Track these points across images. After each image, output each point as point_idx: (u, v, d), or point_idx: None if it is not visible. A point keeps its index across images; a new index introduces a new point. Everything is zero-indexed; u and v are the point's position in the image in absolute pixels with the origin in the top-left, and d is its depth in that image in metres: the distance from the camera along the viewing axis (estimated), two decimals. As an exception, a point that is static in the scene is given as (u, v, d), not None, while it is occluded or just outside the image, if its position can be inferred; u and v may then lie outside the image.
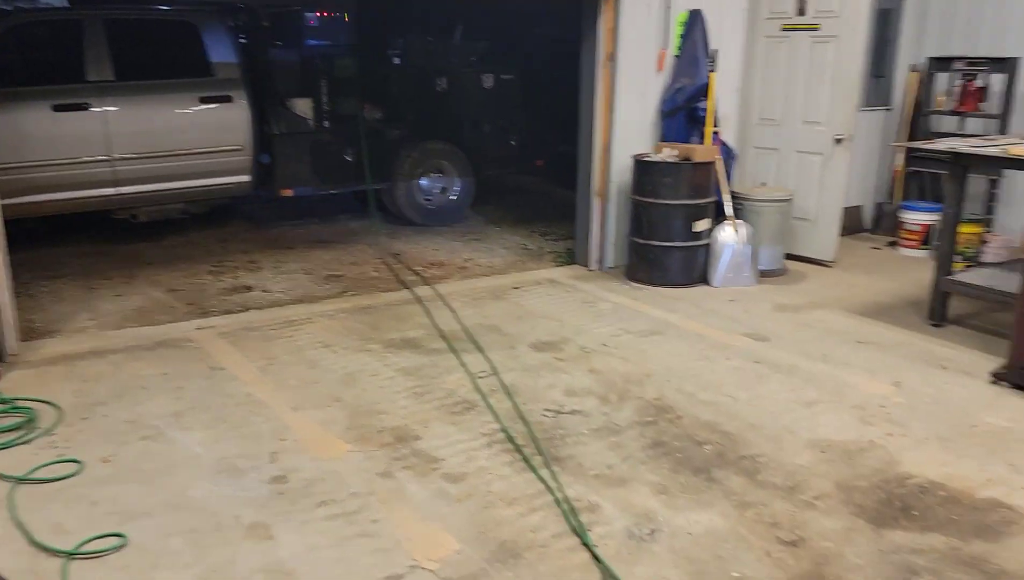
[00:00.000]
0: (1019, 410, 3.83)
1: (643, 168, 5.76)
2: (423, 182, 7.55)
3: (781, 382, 4.19)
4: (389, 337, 4.75)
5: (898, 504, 3.07)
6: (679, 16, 6.00)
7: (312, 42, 6.83)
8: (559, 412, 3.84)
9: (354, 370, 4.28)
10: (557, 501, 3.08)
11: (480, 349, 4.56)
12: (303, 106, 6.90)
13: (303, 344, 4.64)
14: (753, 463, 3.39)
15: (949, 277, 4.88)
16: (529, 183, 9.04)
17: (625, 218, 6.08)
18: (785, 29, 6.27)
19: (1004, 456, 3.41)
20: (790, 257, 6.37)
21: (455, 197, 7.71)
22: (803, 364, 4.42)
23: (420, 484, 3.20)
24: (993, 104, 6.61)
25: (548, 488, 3.17)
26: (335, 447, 3.49)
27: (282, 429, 3.64)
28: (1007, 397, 3.98)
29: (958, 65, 6.70)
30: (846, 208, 7.16)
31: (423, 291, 5.62)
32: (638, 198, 5.80)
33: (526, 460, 3.38)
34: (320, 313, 5.17)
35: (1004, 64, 6.44)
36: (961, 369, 4.32)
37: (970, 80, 6.65)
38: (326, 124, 7.04)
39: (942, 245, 4.89)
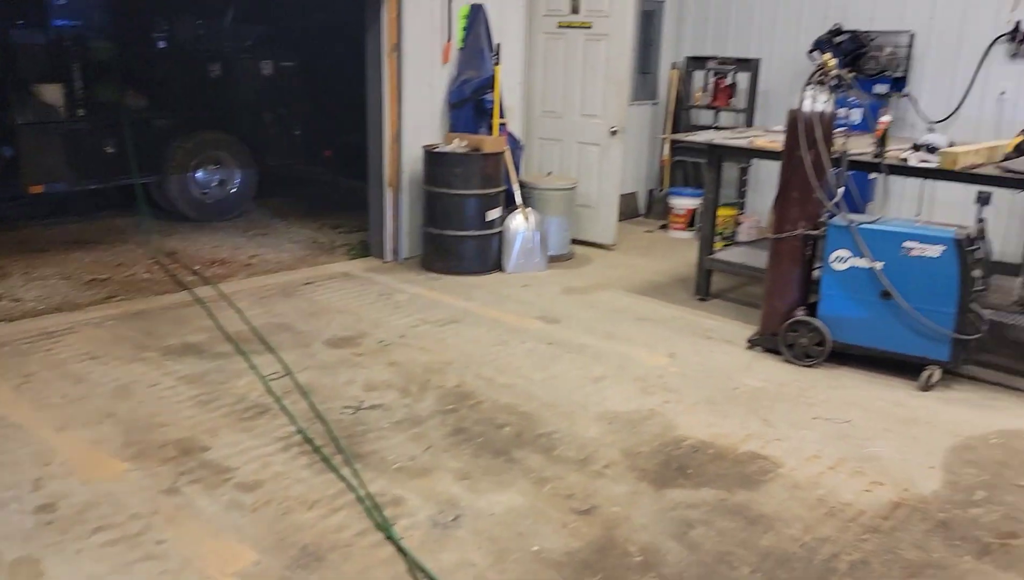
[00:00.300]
0: (770, 371, 4.33)
1: (434, 159, 5.80)
2: (199, 175, 7.09)
3: (572, 361, 4.42)
4: (167, 343, 4.42)
5: (675, 465, 3.36)
6: (461, 9, 6.09)
7: (61, 22, 6.15)
8: (359, 408, 3.78)
9: (128, 382, 3.94)
10: (360, 498, 3.04)
11: (271, 349, 4.38)
12: (52, 93, 6.20)
13: (66, 357, 4.19)
14: (549, 440, 3.55)
15: (711, 256, 5.40)
16: (317, 174, 8.79)
17: (419, 208, 6.10)
18: (561, 26, 6.58)
19: (759, 413, 3.84)
20: (576, 242, 6.72)
21: (235, 190, 7.32)
22: (591, 342, 4.69)
23: (210, 497, 3.02)
24: (741, 100, 7.39)
25: (350, 486, 3.12)
26: (110, 467, 3.20)
27: (46, 453, 3.27)
28: (761, 360, 4.49)
29: (711, 64, 7.40)
30: (623, 195, 7.67)
31: (204, 292, 5.29)
32: (430, 188, 5.84)
33: (326, 460, 3.30)
34: (84, 322, 4.70)
35: (748, 64, 7.21)
36: (724, 338, 4.81)
37: (721, 78, 7.38)
38: (81, 113, 6.37)
39: (704, 228, 5.40)
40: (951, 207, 6.51)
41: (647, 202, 8.19)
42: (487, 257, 5.97)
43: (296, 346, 4.47)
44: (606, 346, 4.64)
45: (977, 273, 3.99)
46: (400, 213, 6.13)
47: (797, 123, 4.20)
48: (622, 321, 5.07)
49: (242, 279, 5.67)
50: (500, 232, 6.00)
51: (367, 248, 6.36)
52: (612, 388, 4.10)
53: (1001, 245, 6.30)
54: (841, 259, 4.23)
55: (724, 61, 7.32)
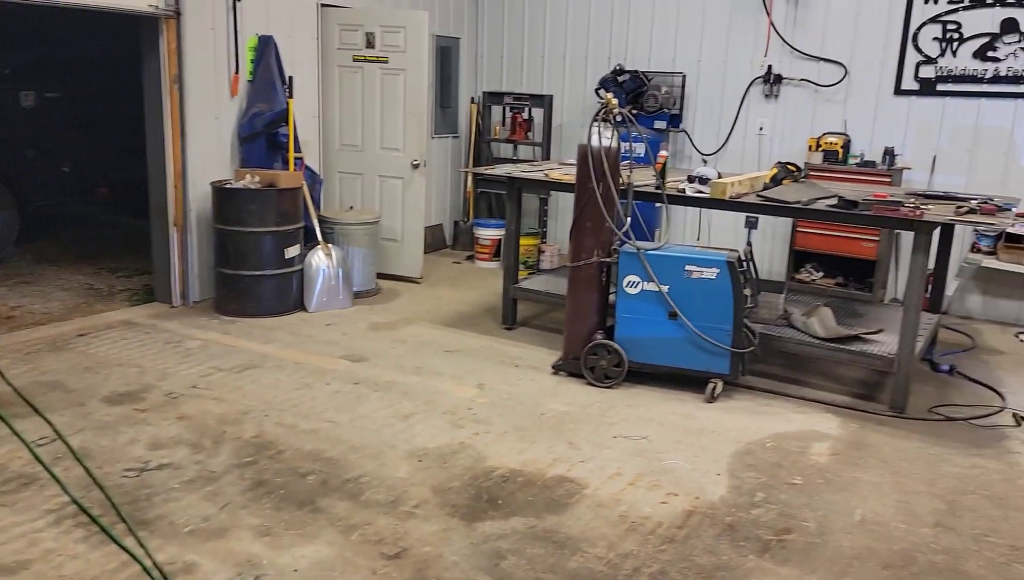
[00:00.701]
0: (574, 394, 4.49)
1: (225, 196, 5.50)
2: (-54, 218, 6.26)
3: (380, 399, 4.32)
4: (-93, 413, 3.81)
5: (486, 497, 3.37)
6: (249, 41, 5.87)
7: None
8: (144, 469, 3.45)
9: None
10: (146, 569, 2.76)
11: (38, 412, 3.90)
12: None
13: None
14: (357, 485, 3.43)
15: (516, 286, 5.53)
16: (92, 214, 8.04)
17: (209, 248, 5.74)
18: (357, 60, 6.52)
19: (565, 436, 3.96)
20: (382, 276, 6.63)
21: (-7, 234, 6.53)
22: (399, 379, 4.62)
23: (-41, 590, 2.61)
24: (538, 133, 7.69)
25: (134, 557, 2.82)
26: None
27: None
28: (565, 385, 4.64)
29: (507, 99, 7.65)
30: (429, 227, 7.72)
31: (-43, 350, 4.64)
32: (222, 227, 5.52)
33: (105, 531, 2.97)
34: None
35: (542, 100, 7.54)
36: (530, 365, 4.92)
37: (518, 112, 7.65)
38: None
39: (507, 257, 5.53)
40: (725, 231, 7.15)
41: (453, 233, 8.27)
42: (287, 296, 5.73)
43: (69, 406, 4.02)
44: (415, 381, 4.59)
45: (747, 292, 4.38)
46: (188, 254, 5.74)
47: (586, 157, 4.42)
48: (431, 354, 5.05)
49: (1, 334, 5.03)
50: (300, 270, 5.79)
51: (152, 293, 5.89)
52: (422, 424, 4.04)
53: (768, 264, 7.02)
54: (633, 284, 4.48)
55: (519, 97, 7.60)
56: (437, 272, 7.17)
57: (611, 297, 4.68)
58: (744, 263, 4.37)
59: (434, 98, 7.69)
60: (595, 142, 4.42)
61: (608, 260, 4.56)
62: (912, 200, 4.46)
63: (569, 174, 5.14)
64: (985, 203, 4.36)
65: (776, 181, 4.65)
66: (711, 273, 4.33)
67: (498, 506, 3.30)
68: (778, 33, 6.71)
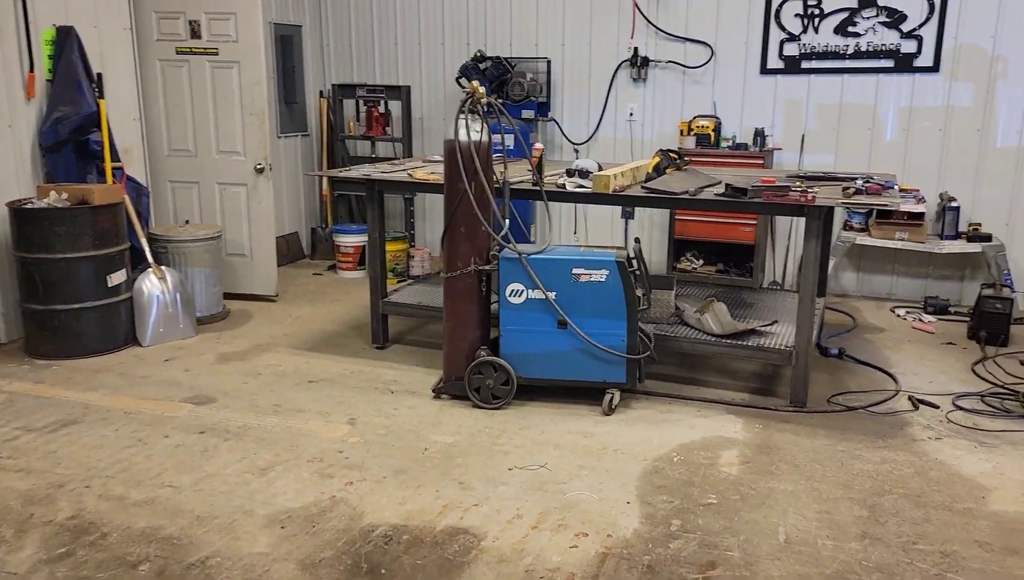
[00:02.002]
0: (460, 421, 3.99)
1: (25, 217, 4.59)
2: None
3: (231, 451, 3.66)
4: None
5: (365, 567, 2.81)
6: (45, 33, 4.95)
7: None
8: (-88, 587, 2.66)
9: None
10: None
11: None
12: None
13: None
14: (204, 570, 2.78)
15: (385, 300, 4.96)
16: None
17: (12, 281, 4.81)
18: (181, 52, 5.70)
19: (454, 474, 3.46)
20: (231, 297, 5.88)
21: None
22: (254, 422, 3.96)
23: None
24: (397, 128, 7.11)
25: None
26: None
27: None
28: (449, 410, 4.13)
29: (360, 92, 7.01)
30: (282, 237, 6.98)
31: None
32: (25, 255, 4.62)
33: None
34: None
35: (398, 91, 6.95)
36: (408, 390, 4.38)
37: (373, 106, 7.03)
38: None
39: (372, 268, 4.94)
40: (602, 222, 6.86)
41: (311, 242, 7.55)
42: (115, 331, 4.90)
43: None
44: (273, 423, 3.94)
45: (640, 292, 4.03)
46: (-14, 289, 4.79)
47: (455, 154, 3.92)
48: (291, 387, 4.40)
49: None
50: (130, 298, 4.96)
51: (-58, 339, 4.90)
52: (283, 478, 3.42)
53: (647, 255, 6.78)
54: (516, 292, 4.03)
55: (374, 89, 6.98)
56: (295, 287, 6.47)
57: (494, 307, 4.21)
58: (634, 261, 4.02)
59: (276, 93, 6.94)
60: (463, 136, 3.92)
61: (487, 268, 4.08)
62: (797, 183, 4.26)
63: (436, 173, 4.63)
64: (868, 182, 4.22)
65: (659, 170, 4.33)
66: (600, 275, 3.94)
67: (381, 576, 2.76)
68: (642, 14, 6.45)
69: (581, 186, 4.21)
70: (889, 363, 4.80)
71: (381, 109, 7.04)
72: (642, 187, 4.15)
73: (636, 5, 6.43)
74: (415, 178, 4.58)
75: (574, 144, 6.84)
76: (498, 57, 6.64)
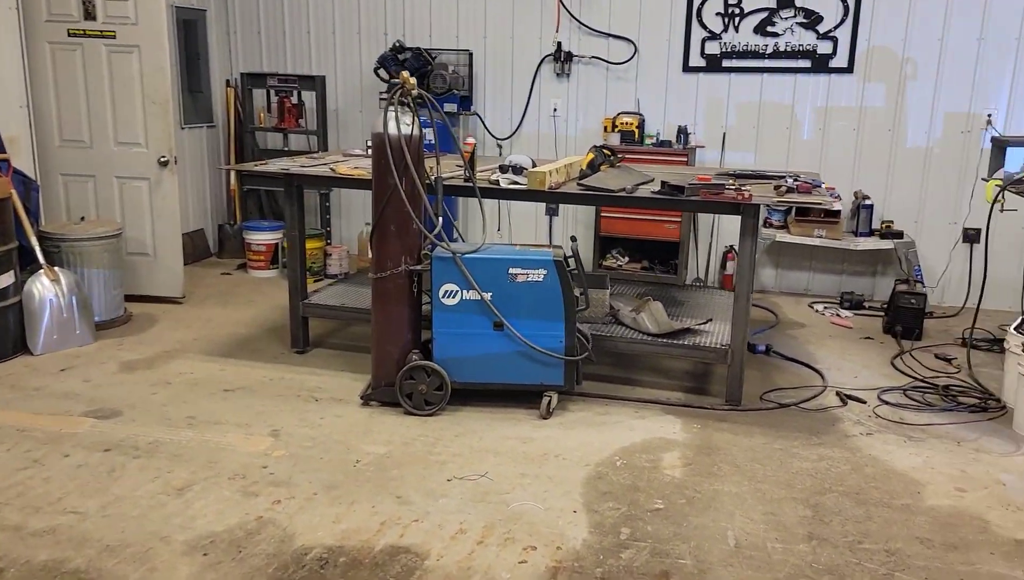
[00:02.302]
0: (392, 430, 3.79)
1: None
2: None
3: (142, 470, 3.34)
4: None
5: (303, 596, 2.60)
6: (-87, 4, 4.42)
7: None
8: None
9: None
10: None
11: None
12: None
13: None
14: (117, 609, 2.50)
15: (306, 302, 4.68)
16: None
17: None
18: (73, 35, 5.23)
19: (390, 488, 3.26)
20: (133, 299, 5.46)
21: None
22: (166, 436, 3.64)
23: None
24: (311, 120, 6.78)
25: None
26: None
27: None
28: (379, 417, 3.92)
29: (271, 82, 6.65)
30: (187, 234, 6.57)
31: None
32: None
33: None
34: None
35: (312, 81, 6.63)
36: (334, 397, 4.14)
37: (286, 96, 6.68)
38: None
39: (291, 269, 4.65)
40: (526, 218, 6.75)
41: (218, 239, 7.13)
42: (2, 339, 4.44)
43: None
44: (188, 438, 3.63)
45: (577, 292, 3.93)
46: None
47: (384, 148, 3.70)
48: (206, 397, 4.09)
49: None
50: (19, 302, 4.51)
51: None
52: (203, 499, 3.14)
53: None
54: (450, 293, 3.86)
55: (286, 78, 6.63)
56: (204, 288, 6.07)
57: (426, 309, 4.03)
58: (571, 260, 3.91)
59: (180, 82, 6.51)
60: (392, 129, 3.71)
61: (419, 268, 3.89)
62: (731, 181, 4.25)
63: (360, 168, 4.40)
64: (798, 181, 4.26)
65: (593, 167, 4.24)
66: (538, 275, 3.82)
67: (320, 606, 2.55)
68: (566, 8, 6.36)
69: (516, 183, 4.07)
70: (814, 359, 4.89)
71: (294, 100, 6.70)
72: (578, 184, 4.05)
73: (559, -1, 6.34)
74: (338, 173, 4.33)
75: (497, 139, 6.70)
76: (418, 48, 6.42)
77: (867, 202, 5.83)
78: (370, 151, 3.92)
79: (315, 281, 6.29)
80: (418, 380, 3.89)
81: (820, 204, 3.82)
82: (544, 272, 3.82)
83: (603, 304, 4.39)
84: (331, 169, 4.43)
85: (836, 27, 5.87)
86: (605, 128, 6.27)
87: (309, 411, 3.97)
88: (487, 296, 3.82)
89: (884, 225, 5.84)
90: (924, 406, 4.17)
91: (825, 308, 5.91)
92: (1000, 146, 4.74)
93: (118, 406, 3.95)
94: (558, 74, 6.48)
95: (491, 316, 3.85)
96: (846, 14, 5.83)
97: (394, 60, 6.35)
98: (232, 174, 7.03)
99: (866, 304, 5.97)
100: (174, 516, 3.01)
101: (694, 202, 3.88)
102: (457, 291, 3.85)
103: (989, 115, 5.71)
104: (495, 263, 3.82)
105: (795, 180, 4.41)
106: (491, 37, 6.59)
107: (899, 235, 5.79)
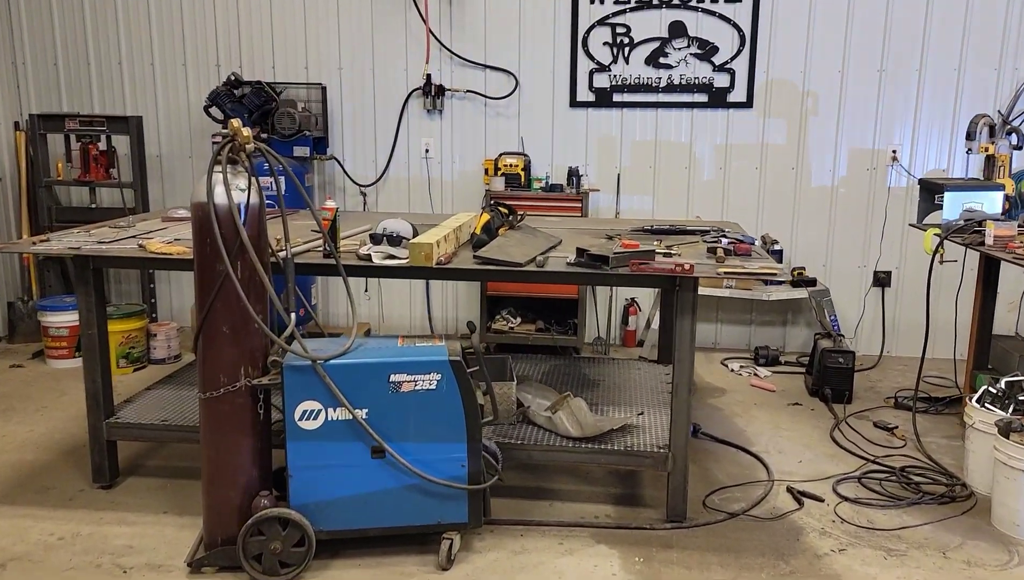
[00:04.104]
0: (237, 612, 2.71)
1: None
2: None
3: None
4: None
5: None
6: None
7: None
8: None
9: None
10: None
11: None
12: None
13: None
14: None
15: (112, 419, 3.49)
16: None
17: None
18: None
19: None
20: None
21: None
22: None
23: None
24: (126, 169, 5.53)
25: None
26: None
27: None
28: (218, 591, 2.83)
29: (72, 124, 5.34)
30: (-41, 322, 5.13)
31: None
32: None
33: None
34: None
35: (125, 123, 5.39)
36: (150, 563, 2.99)
37: (91, 142, 5.39)
38: None
39: (91, 377, 3.44)
40: (398, 281, 5.79)
41: (8, 320, 5.68)
42: None
43: None
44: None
45: (482, 398, 3.02)
46: None
47: (210, 224, 2.66)
48: (-44, 585, 2.83)
49: None
50: None
51: None
52: None
53: (456, 313, 5.85)
54: (311, 414, 2.84)
55: (90, 120, 5.35)
56: (-18, 390, 4.68)
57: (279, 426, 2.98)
58: (472, 356, 3.00)
59: (-54, 124, 5.10)
60: (221, 198, 2.68)
61: (266, 382, 2.85)
62: (656, 243, 3.51)
63: (182, 241, 3.31)
64: (726, 236, 3.58)
65: (490, 231, 3.37)
66: (430, 381, 2.88)
67: None
68: (435, 36, 5.50)
69: (393, 257, 3.12)
70: (747, 438, 4.22)
71: (102, 146, 5.42)
72: (475, 257, 3.16)
73: (425, 21, 5.46)
74: (149, 251, 3.22)
75: (361, 186, 5.72)
76: (259, 82, 5.35)
77: (776, 247, 5.31)
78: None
79: (135, 370, 5.04)
80: (270, 535, 2.83)
81: (771, 274, 3.13)
82: (438, 377, 2.88)
83: (509, 400, 3.50)
84: (140, 244, 3.30)
85: (733, 58, 5.35)
86: (487, 171, 5.44)
87: (114, 591, 2.82)
88: (361, 414, 2.84)
89: (796, 272, 5.33)
90: (888, 499, 3.55)
91: (741, 367, 5.31)
92: (929, 189, 4.29)
93: None
94: (429, 110, 5.59)
95: (368, 440, 2.87)
96: (742, 45, 5.32)
97: (229, 96, 5.25)
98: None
99: (782, 359, 5.44)
100: None
101: (623, 276, 3.08)
102: (320, 410, 2.84)
103: (894, 151, 5.34)
104: (372, 369, 2.85)
105: (721, 234, 3.74)
106: (348, 68, 5.63)
107: (812, 282, 5.29)
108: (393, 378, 2.85)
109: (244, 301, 2.72)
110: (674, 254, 3.32)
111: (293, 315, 2.83)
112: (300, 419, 2.84)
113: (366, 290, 5.87)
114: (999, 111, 5.12)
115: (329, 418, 2.85)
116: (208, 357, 2.82)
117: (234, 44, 5.66)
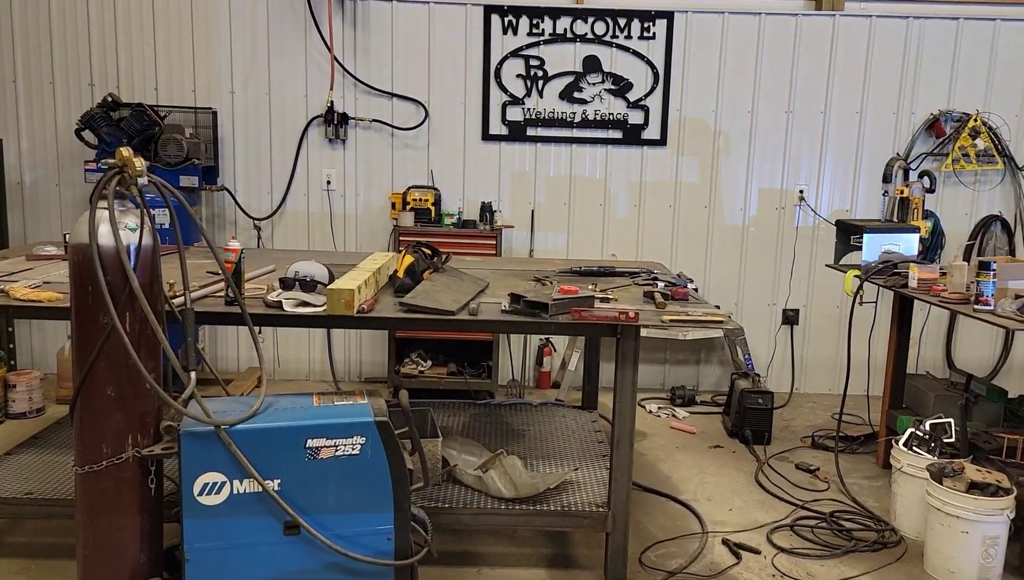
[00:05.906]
0: None
1: None
2: None
3: None
4: None
5: None
6: None
7: None
8: None
9: None
10: None
11: None
12: None
13: None
14: None
15: (-42, 496, 2.93)
16: None
17: None
18: None
19: None
20: None
21: None
22: None
23: None
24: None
25: None
26: None
27: None
28: None
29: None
30: None
31: None
32: None
33: None
34: None
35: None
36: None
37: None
38: None
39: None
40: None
41: None
42: None
43: None
44: None
45: (411, 463, 2.71)
46: None
47: (94, 270, 2.24)
48: None
49: None
50: None
51: None
52: None
53: (360, 355, 5.49)
54: (212, 487, 2.44)
55: (-63, 140, 4.69)
56: None
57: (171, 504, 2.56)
58: (400, 417, 2.69)
59: None
60: (106, 239, 2.27)
61: (159, 452, 2.43)
62: (591, 287, 3.32)
63: (52, 284, 2.84)
64: (669, 284, 3.44)
65: (414, 274, 3.07)
66: (353, 445, 2.54)
67: None
68: (338, 61, 5.18)
69: (307, 305, 2.78)
70: (673, 485, 4.08)
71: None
72: (400, 303, 2.85)
73: (329, 47, 5.13)
74: (14, 298, 2.73)
75: (255, 220, 5.28)
76: (140, 105, 4.85)
77: (691, 286, 5.25)
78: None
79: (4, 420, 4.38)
80: (163, 634, 2.40)
81: (718, 322, 2.99)
82: (362, 440, 2.55)
83: (435, 458, 3.19)
84: (1, 290, 2.81)
85: (647, 95, 5.31)
86: (394, 205, 5.14)
87: None
88: (273, 486, 2.47)
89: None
90: (823, 548, 3.47)
91: (659, 408, 5.20)
92: (845, 230, 4.34)
93: None
94: (331, 139, 5.24)
95: (280, 515, 2.49)
96: (656, 82, 5.29)
97: (106, 119, 4.73)
98: None
99: (698, 398, 5.38)
100: None
101: (562, 325, 2.86)
102: (223, 483, 2.44)
103: (801, 191, 5.44)
104: (285, 434, 2.48)
105: (652, 277, 3.61)
106: (241, 92, 5.21)
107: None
108: (310, 443, 2.50)
109: (135, 358, 2.31)
110: (611, 299, 3.14)
111: (192, 374, 2.43)
112: (200, 494, 2.44)
113: (260, 331, 5.39)
114: (897, 153, 5.30)
115: (235, 491, 2.46)
116: (87, 425, 2.38)
117: (111, 61, 5.13)
